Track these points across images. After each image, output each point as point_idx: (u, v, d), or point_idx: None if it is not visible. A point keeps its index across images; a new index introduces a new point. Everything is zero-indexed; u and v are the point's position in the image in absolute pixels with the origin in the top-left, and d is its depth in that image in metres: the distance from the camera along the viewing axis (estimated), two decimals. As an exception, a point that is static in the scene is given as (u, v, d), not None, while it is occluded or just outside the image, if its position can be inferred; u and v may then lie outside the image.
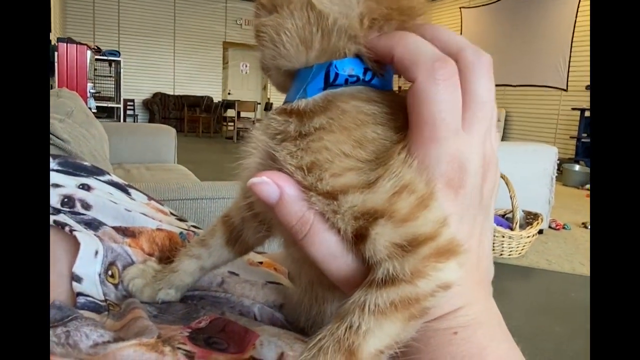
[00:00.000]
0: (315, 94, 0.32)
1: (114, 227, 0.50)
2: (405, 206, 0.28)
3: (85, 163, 0.61)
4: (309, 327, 0.42)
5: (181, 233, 0.54)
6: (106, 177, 0.61)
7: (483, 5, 10.13)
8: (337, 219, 0.30)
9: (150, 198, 0.65)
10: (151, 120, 11.80)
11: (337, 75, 0.32)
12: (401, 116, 0.32)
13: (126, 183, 0.64)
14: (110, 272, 0.44)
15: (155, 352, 0.33)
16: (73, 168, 0.58)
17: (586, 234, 4.28)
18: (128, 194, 0.61)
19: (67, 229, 0.45)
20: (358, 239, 0.29)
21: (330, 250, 0.30)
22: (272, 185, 0.30)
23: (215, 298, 0.46)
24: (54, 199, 0.50)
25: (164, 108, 12.13)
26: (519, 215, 3.34)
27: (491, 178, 0.33)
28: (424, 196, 0.29)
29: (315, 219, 0.30)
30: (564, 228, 4.40)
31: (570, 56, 8.30)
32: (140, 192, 0.64)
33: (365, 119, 0.31)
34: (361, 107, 0.31)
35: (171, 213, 0.64)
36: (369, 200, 0.29)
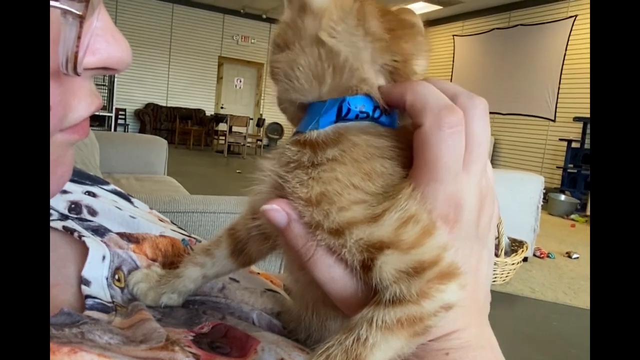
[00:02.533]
0: (326, 126, 0.34)
1: (118, 233, 0.51)
2: (411, 235, 0.31)
3: (90, 173, 0.62)
4: (306, 341, 0.43)
5: (183, 239, 0.55)
6: (110, 187, 0.62)
7: (475, 34, 10.35)
8: (344, 252, 0.32)
9: (151, 207, 0.66)
10: (142, 130, 11.76)
11: (349, 110, 0.34)
12: (406, 152, 0.34)
13: (128, 193, 0.65)
14: (117, 277, 0.46)
15: (166, 350, 0.34)
16: (79, 176, 0.58)
17: (570, 264, 4.32)
18: (131, 202, 0.63)
19: (75, 234, 0.46)
20: (365, 269, 0.31)
21: (332, 274, 0.33)
22: (281, 213, 0.33)
23: (215, 303, 0.47)
24: (62, 205, 0.51)
25: (155, 119, 12.10)
26: (504, 242, 3.37)
27: (487, 211, 0.36)
28: (428, 225, 0.31)
29: (319, 246, 0.33)
30: (548, 257, 4.44)
31: (558, 88, 8.48)
32: (141, 202, 0.65)
33: (374, 152, 0.33)
34: (371, 140, 0.33)
35: (172, 222, 0.65)
36: (376, 233, 0.31)
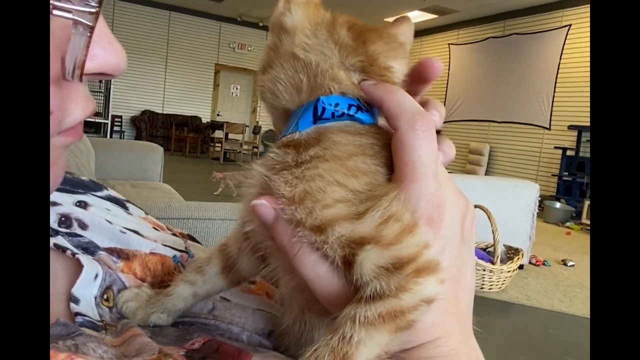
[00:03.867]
0: (306, 128, 0.36)
1: (109, 248, 0.50)
2: (392, 232, 0.32)
3: (83, 178, 0.61)
4: (297, 353, 0.42)
5: (174, 256, 0.54)
6: (104, 193, 0.61)
7: (471, 43, 10.43)
8: (325, 248, 0.32)
9: (147, 213, 0.65)
10: (138, 137, 11.74)
11: (324, 109, 0.35)
12: (384, 150, 0.36)
13: (124, 198, 0.64)
14: (105, 296, 0.45)
15: None
16: (70, 185, 0.58)
17: (566, 271, 4.33)
18: (126, 208, 0.62)
19: (68, 252, 0.46)
20: (346, 265, 0.32)
21: (317, 270, 0.33)
22: (269, 208, 0.34)
23: (204, 325, 0.47)
24: (52, 218, 0.51)
25: (151, 126, 12.10)
26: (500, 249, 3.37)
27: (471, 211, 0.37)
28: (409, 224, 0.32)
29: (304, 242, 0.34)
30: (544, 264, 4.45)
31: (553, 96, 8.54)
32: (138, 207, 0.65)
33: (355, 150, 0.35)
34: (350, 138, 0.35)
35: (167, 228, 0.65)
36: (357, 229, 0.32)
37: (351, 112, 0.36)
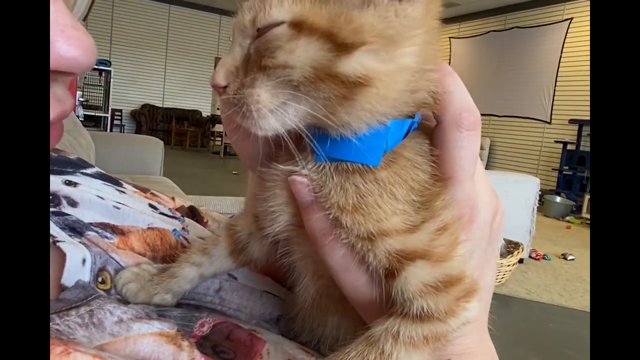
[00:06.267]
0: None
1: (102, 223, 0.48)
2: (443, 245, 0.31)
3: (71, 156, 0.59)
4: (310, 340, 0.42)
5: (174, 230, 0.51)
6: (92, 170, 0.58)
7: (472, 36, 10.38)
8: (369, 255, 0.31)
9: (145, 190, 0.63)
10: (138, 131, 11.71)
11: (415, 127, 0.33)
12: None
13: (116, 178, 0.61)
14: (100, 279, 0.43)
15: (174, 344, 0.32)
16: (58, 164, 0.55)
17: (565, 265, 4.33)
18: (119, 184, 0.59)
19: (50, 239, 0.42)
20: (388, 276, 0.31)
21: (345, 263, 0.33)
22: (309, 190, 0.32)
23: (210, 311, 0.45)
24: None
25: (151, 120, 12.07)
26: (500, 243, 3.38)
27: (501, 211, 0.36)
28: (455, 232, 0.32)
29: (335, 235, 0.32)
30: (544, 258, 4.45)
31: (554, 90, 8.50)
32: (131, 185, 0.62)
33: (418, 159, 0.32)
34: (416, 147, 0.33)
35: (162, 203, 0.61)
36: (412, 243, 0.30)
37: (416, 119, 0.33)
